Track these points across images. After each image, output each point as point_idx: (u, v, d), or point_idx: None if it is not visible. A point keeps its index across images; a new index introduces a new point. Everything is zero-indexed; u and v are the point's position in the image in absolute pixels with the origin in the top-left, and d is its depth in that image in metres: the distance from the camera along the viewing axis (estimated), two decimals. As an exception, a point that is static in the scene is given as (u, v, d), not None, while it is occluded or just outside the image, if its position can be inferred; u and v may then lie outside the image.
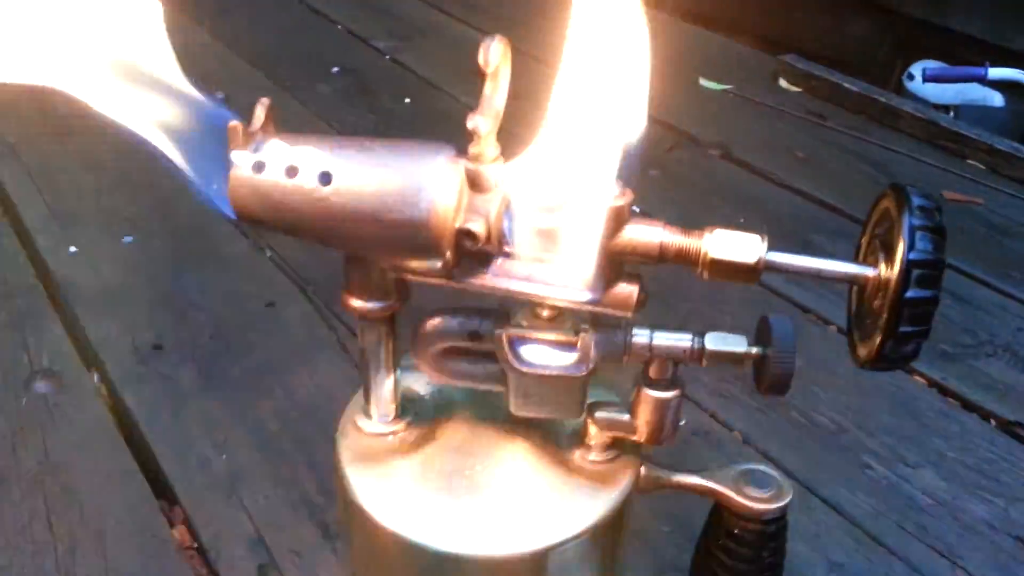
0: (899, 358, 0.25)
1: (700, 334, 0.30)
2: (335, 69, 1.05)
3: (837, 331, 0.68)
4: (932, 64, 1.79)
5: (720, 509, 0.33)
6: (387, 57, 1.10)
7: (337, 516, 0.46)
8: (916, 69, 1.76)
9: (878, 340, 0.25)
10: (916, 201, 0.24)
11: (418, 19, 1.22)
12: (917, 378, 0.64)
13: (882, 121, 1.02)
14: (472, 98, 0.25)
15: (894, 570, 0.49)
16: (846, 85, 1.06)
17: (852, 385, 0.63)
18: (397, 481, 0.31)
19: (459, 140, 0.27)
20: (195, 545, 0.48)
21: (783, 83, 1.12)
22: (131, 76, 0.27)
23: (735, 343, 0.30)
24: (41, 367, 0.58)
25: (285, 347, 0.61)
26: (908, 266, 0.24)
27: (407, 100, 0.99)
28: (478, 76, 0.25)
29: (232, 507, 0.49)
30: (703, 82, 1.12)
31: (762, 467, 0.33)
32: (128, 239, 0.71)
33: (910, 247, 0.24)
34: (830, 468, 0.56)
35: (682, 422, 0.32)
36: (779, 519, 0.33)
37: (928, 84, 1.72)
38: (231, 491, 0.50)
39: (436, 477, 0.31)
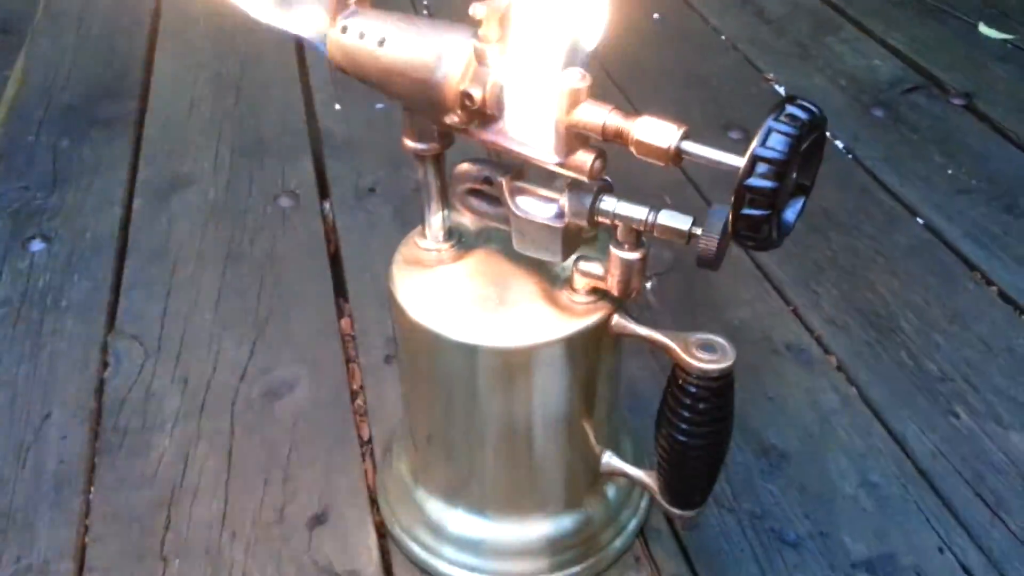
0: (753, 240, 0.31)
1: (656, 209, 0.37)
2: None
3: (998, 293, 0.66)
4: None
5: (674, 367, 0.40)
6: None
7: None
8: None
9: (731, 221, 0.30)
10: (788, 108, 0.29)
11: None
12: (1060, 352, 0.61)
13: None
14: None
15: (926, 501, 0.51)
16: None
17: (980, 343, 0.62)
18: (430, 284, 0.42)
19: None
20: (351, 333, 0.63)
21: (1080, 38, 1.01)
22: None
23: (680, 221, 0.36)
24: (288, 188, 0.77)
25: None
26: (753, 158, 0.29)
27: None
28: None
29: (383, 313, 0.63)
30: (983, 28, 1.04)
31: (715, 337, 0.39)
32: (380, 106, 0.88)
33: (761, 143, 0.29)
34: (914, 408, 0.57)
35: (648, 283, 0.39)
36: (719, 379, 0.39)
37: None
38: (385, 303, 0.65)
39: (459, 287, 0.42)
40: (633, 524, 0.49)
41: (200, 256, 0.69)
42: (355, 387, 0.59)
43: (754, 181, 0.29)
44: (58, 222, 0.73)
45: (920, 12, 1.08)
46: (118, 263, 0.69)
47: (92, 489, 0.52)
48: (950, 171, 0.80)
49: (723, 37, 1.03)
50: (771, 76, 0.95)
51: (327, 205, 0.76)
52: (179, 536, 0.49)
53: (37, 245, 0.70)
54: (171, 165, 0.80)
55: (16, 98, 0.90)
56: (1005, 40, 1.02)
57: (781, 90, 0.93)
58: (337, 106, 0.88)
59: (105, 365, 0.60)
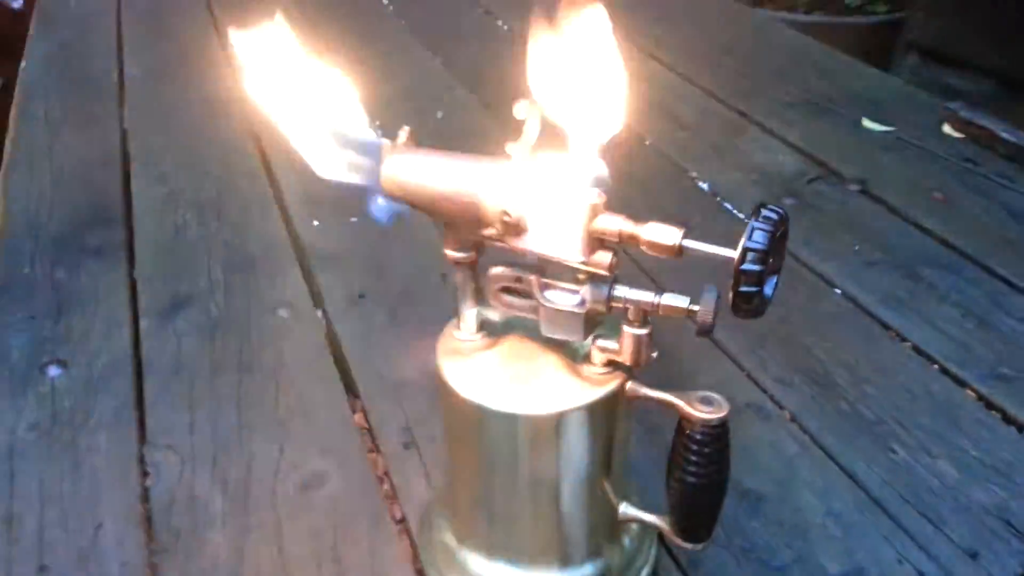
0: (746, 309, 0.40)
1: (660, 292, 0.46)
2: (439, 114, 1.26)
3: (912, 348, 0.79)
4: None
5: (680, 420, 0.49)
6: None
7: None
8: None
9: (731, 297, 0.40)
10: (763, 212, 0.40)
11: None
12: (969, 392, 0.73)
13: (1034, 169, 1.07)
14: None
15: (881, 523, 0.61)
16: (1003, 135, 1.11)
17: (904, 391, 0.73)
18: (472, 369, 0.50)
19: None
20: (367, 426, 0.70)
21: (947, 129, 1.19)
22: (340, 141, 0.48)
23: (680, 301, 0.46)
24: (284, 300, 0.84)
25: (448, 307, 0.82)
26: (744, 250, 0.39)
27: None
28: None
29: (394, 405, 0.71)
30: (867, 123, 1.21)
31: (712, 393, 0.49)
32: (353, 219, 0.96)
33: (747, 238, 0.39)
34: (858, 448, 0.68)
35: (655, 354, 0.48)
36: (718, 427, 0.48)
37: None
38: (395, 395, 0.72)
39: (496, 368, 0.50)
40: (647, 569, 0.57)
41: (215, 368, 0.75)
42: (380, 474, 0.65)
43: (746, 266, 0.39)
44: (71, 347, 0.78)
45: (811, 111, 1.25)
46: (137, 380, 0.74)
47: (155, 586, 0.57)
48: (857, 247, 0.93)
49: (647, 142, 1.17)
50: (694, 174, 1.09)
51: (321, 313, 0.83)
52: (246, 619, 0.54)
53: (55, 371, 0.75)
54: (169, 286, 0.86)
55: (4, 233, 0.95)
56: (886, 131, 1.19)
57: (705, 186, 1.06)
58: (315, 222, 0.97)
59: (146, 474, 0.65)
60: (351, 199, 1.00)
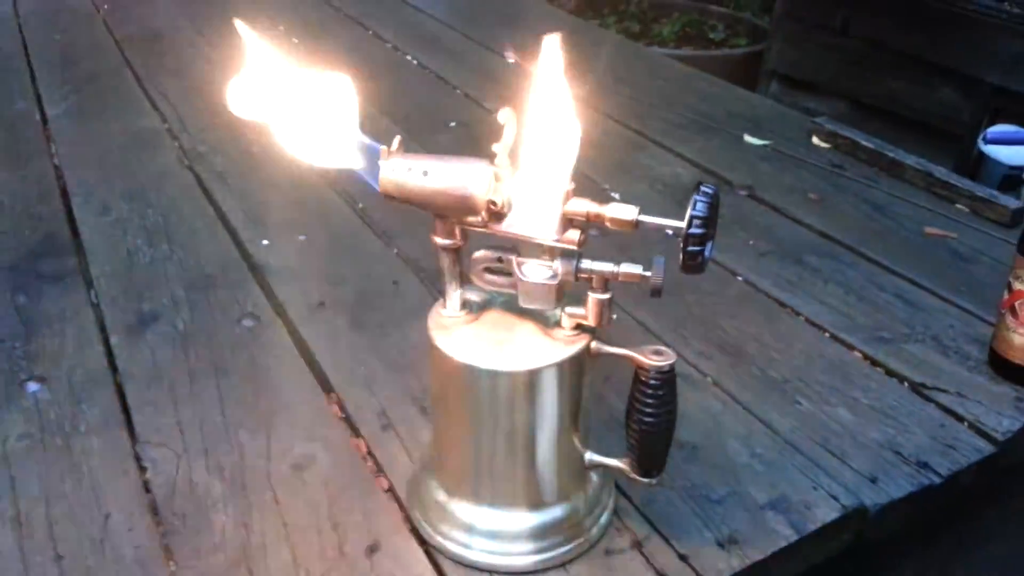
0: (692, 265, 0.51)
1: (618, 263, 0.57)
2: (452, 123, 1.37)
3: (805, 321, 0.92)
4: (1000, 128, 1.98)
5: (637, 370, 0.59)
6: (492, 115, 1.41)
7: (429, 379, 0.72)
8: (991, 133, 1.95)
9: (680, 257, 0.51)
10: (702, 188, 0.51)
11: (519, 87, 1.52)
12: (856, 353, 0.87)
13: (890, 172, 1.24)
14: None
15: (796, 460, 0.73)
16: (863, 142, 1.29)
17: (803, 356, 0.86)
18: (458, 337, 0.59)
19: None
20: (344, 415, 0.77)
21: (815, 140, 1.36)
22: (343, 138, 0.56)
23: (634, 268, 0.56)
24: (246, 311, 0.90)
25: (404, 309, 0.91)
26: (690, 218, 0.50)
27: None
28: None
29: (367, 395, 0.78)
30: (747, 138, 1.37)
31: (661, 346, 0.59)
32: (302, 237, 1.03)
33: (692, 208, 0.50)
34: (770, 402, 0.79)
35: (614, 316, 0.59)
36: (668, 372, 0.58)
37: (1003, 147, 1.91)
38: (367, 386, 0.80)
39: (480, 335, 0.59)
40: (608, 511, 0.67)
41: (192, 374, 0.81)
42: (363, 454, 0.73)
43: (693, 230, 0.50)
44: (45, 365, 0.82)
45: (699, 129, 1.40)
46: (118, 390, 0.79)
47: (172, 562, 0.62)
48: (751, 242, 1.07)
49: (559, 161, 1.28)
50: (606, 186, 1.21)
51: (285, 321, 0.90)
52: (263, 580, 0.61)
53: (34, 386, 0.79)
54: (132, 306, 0.90)
55: (-49, 267, 0.97)
56: (764, 145, 1.35)
57: (616, 196, 1.18)
58: (264, 242, 1.03)
59: (143, 469, 0.70)
60: (295, 219, 1.08)
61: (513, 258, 0.57)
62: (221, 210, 1.10)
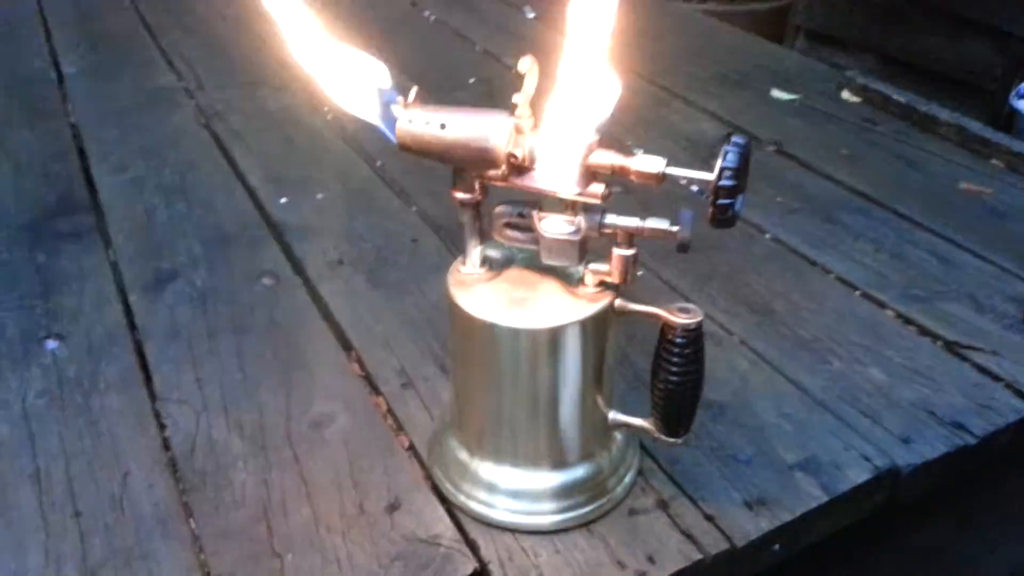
0: (723, 219, 0.49)
1: (644, 217, 0.55)
2: (471, 79, 1.34)
3: (835, 278, 0.89)
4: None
5: (663, 327, 0.57)
6: (512, 71, 1.38)
7: (447, 338, 0.71)
8: (1024, 89, 1.89)
9: (709, 211, 0.49)
10: (733, 138, 0.49)
11: (540, 42, 1.49)
12: (888, 311, 0.84)
13: (923, 127, 1.20)
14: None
15: (826, 420, 0.71)
16: (895, 96, 1.25)
17: (834, 314, 0.84)
18: (478, 294, 0.57)
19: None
20: (364, 374, 0.76)
21: (845, 95, 1.32)
22: (366, 88, 0.54)
23: (661, 223, 0.54)
24: (265, 269, 0.89)
25: (423, 266, 0.89)
26: (721, 169, 0.48)
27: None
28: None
29: (387, 353, 0.77)
30: (775, 92, 1.33)
31: (688, 303, 0.57)
32: (320, 195, 1.02)
33: (722, 159, 0.48)
34: (800, 362, 0.77)
35: (640, 272, 0.57)
36: (695, 330, 0.56)
37: (1033, 102, 1.85)
38: (386, 345, 0.78)
39: (501, 292, 0.57)
40: (632, 471, 0.65)
41: (211, 332, 0.80)
42: (383, 412, 0.72)
43: (723, 182, 0.48)
44: (64, 323, 0.81)
45: (726, 85, 1.36)
46: (137, 348, 0.78)
47: (192, 519, 0.62)
48: (779, 199, 1.04)
49: (581, 117, 1.25)
50: (630, 142, 1.18)
51: (304, 279, 0.88)
52: (283, 538, 0.60)
53: (53, 343, 0.78)
54: (151, 264, 0.90)
55: (-29, 226, 0.97)
56: (793, 99, 1.31)
57: (640, 151, 1.15)
58: (282, 200, 1.01)
59: (163, 426, 0.69)
60: (312, 177, 1.06)
61: (534, 213, 0.55)
62: (238, 168, 1.09)
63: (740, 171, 0.49)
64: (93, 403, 0.72)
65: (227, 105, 1.25)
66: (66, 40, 1.48)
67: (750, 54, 1.48)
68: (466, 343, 0.59)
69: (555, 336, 0.56)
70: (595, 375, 0.60)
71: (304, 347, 0.79)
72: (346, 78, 0.54)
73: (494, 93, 1.29)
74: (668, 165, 0.51)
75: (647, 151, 1.14)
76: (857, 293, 0.87)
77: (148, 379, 0.75)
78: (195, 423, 0.70)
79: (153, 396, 0.73)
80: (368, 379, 0.75)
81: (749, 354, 0.79)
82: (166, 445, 0.68)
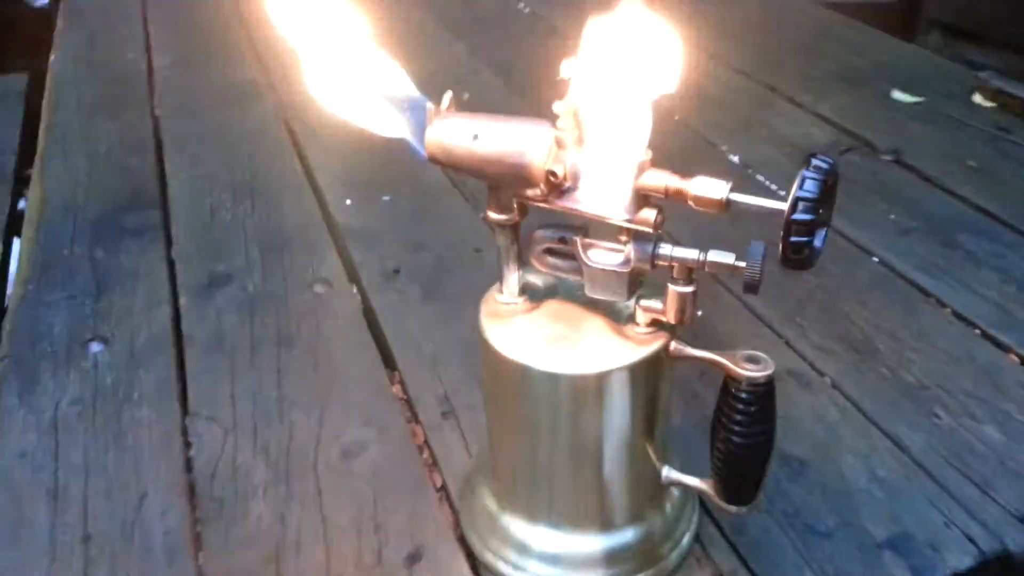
0: (796, 259, 0.40)
1: (705, 250, 0.46)
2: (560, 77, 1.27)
3: (952, 313, 0.78)
4: None
5: (726, 379, 0.49)
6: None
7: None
8: None
9: (780, 248, 0.40)
10: (814, 161, 0.40)
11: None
12: (1012, 356, 0.72)
13: (1070, 137, 1.05)
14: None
15: (927, 488, 0.60)
16: (1038, 100, 1.09)
17: (946, 356, 0.72)
18: (514, 329, 0.50)
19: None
20: (404, 397, 0.70)
21: (977, 98, 1.17)
22: (388, 100, 0.48)
23: (726, 257, 0.46)
24: (319, 276, 0.84)
25: (484, 281, 0.82)
26: (796, 198, 0.39)
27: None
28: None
29: (431, 376, 0.71)
30: (896, 94, 1.20)
31: (757, 352, 0.48)
32: (386, 198, 0.97)
33: (799, 187, 0.39)
34: (901, 413, 0.67)
35: (699, 312, 0.48)
36: (764, 385, 0.48)
37: None
38: (432, 367, 0.72)
39: (539, 328, 0.50)
40: (689, 535, 0.57)
41: (254, 343, 0.76)
42: (419, 443, 0.66)
43: (797, 215, 0.39)
44: (111, 324, 0.79)
45: (840, 84, 1.24)
46: (178, 355, 0.75)
47: (201, 554, 0.57)
48: (892, 216, 0.92)
49: (676, 118, 1.16)
50: (724, 147, 1.08)
51: (357, 289, 0.84)
52: (292, 583, 0.55)
53: (96, 347, 0.76)
54: (206, 266, 0.87)
55: (42, 216, 0.96)
56: (916, 102, 1.17)
57: (735, 159, 1.05)
58: (348, 201, 0.97)
59: (188, 445, 0.66)
60: (383, 178, 1.01)
61: (578, 239, 0.48)
62: (309, 166, 1.05)
63: (820, 201, 0.40)
64: (124, 415, 0.69)
65: (308, 100, 1.21)
66: (162, 31, 1.49)
67: (870, 50, 1.34)
68: (498, 383, 0.52)
69: (600, 383, 0.49)
70: (646, 426, 0.52)
71: (346, 363, 0.73)
72: (366, 90, 0.48)
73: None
74: (734, 190, 0.43)
75: (745, 159, 1.04)
76: (976, 332, 0.75)
77: (183, 391, 0.71)
78: (221, 443, 0.65)
79: (185, 410, 0.69)
80: (408, 403, 0.69)
81: (841, 400, 0.68)
82: (188, 466, 0.64)
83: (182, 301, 0.82)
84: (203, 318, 0.79)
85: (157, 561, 0.57)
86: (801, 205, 0.39)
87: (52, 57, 1.38)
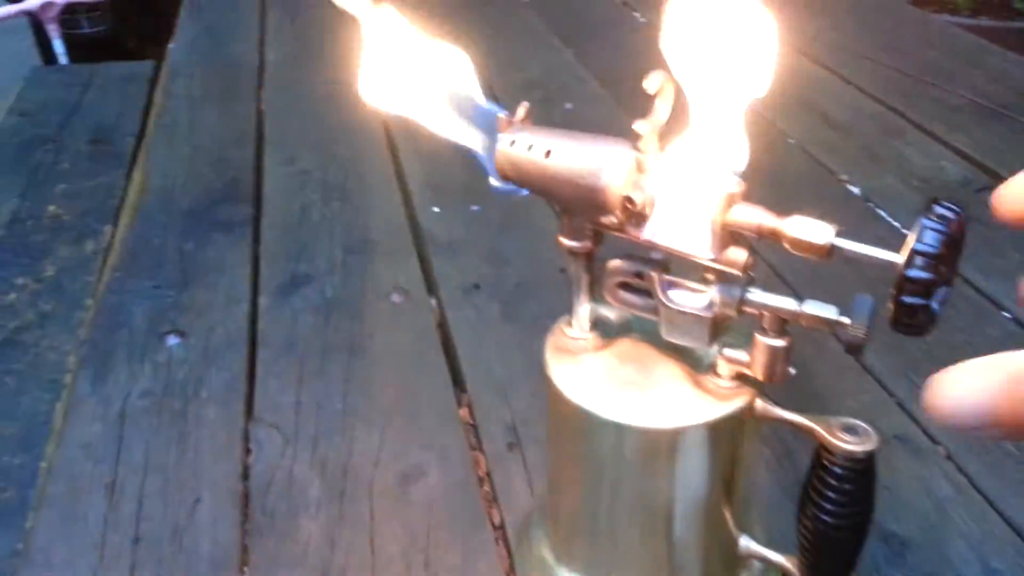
0: (908, 325, 0.34)
1: (801, 299, 0.40)
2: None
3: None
4: None
5: (819, 449, 0.43)
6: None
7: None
8: None
9: (891, 310, 0.34)
10: (937, 209, 0.33)
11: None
12: None
13: None
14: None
15: (1050, 588, 0.52)
16: None
17: (1085, 431, 0.63)
18: (581, 369, 0.46)
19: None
20: (471, 422, 0.67)
21: None
22: (455, 105, 0.45)
23: (826, 311, 0.40)
24: (398, 285, 0.82)
25: (566, 303, 0.78)
26: (912, 252, 0.33)
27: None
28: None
29: (501, 402, 0.67)
30: (1047, 128, 1.08)
31: (858, 421, 0.42)
32: (475, 208, 0.94)
33: (918, 239, 0.33)
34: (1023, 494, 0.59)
35: (792, 371, 0.42)
36: (863, 461, 0.41)
37: None
38: (503, 391, 0.68)
39: (609, 371, 0.45)
40: (765, 609, 0.51)
41: (325, 349, 0.74)
42: (481, 474, 0.62)
43: (913, 272, 0.33)
44: (190, 318, 0.78)
45: (980, 115, 1.13)
46: (251, 355, 0.74)
47: (246, 570, 0.55)
48: (1030, 266, 0.83)
49: (791, 140, 1.08)
50: (844, 177, 1.00)
51: (435, 301, 0.81)
52: (331, 613, 0.52)
53: (173, 340, 0.76)
54: (289, 265, 0.86)
55: (139, 204, 0.98)
56: (1072, 140, 1.06)
57: (856, 190, 0.97)
58: (435, 208, 0.94)
59: (248, 451, 0.64)
60: (473, 186, 0.98)
61: (656, 275, 0.43)
62: (401, 169, 1.03)
63: (942, 258, 0.34)
64: (190, 412, 0.68)
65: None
66: (277, 26, 1.51)
67: (1014, 79, 1.23)
68: (560, 426, 0.48)
69: (671, 440, 0.44)
70: (723, 490, 0.46)
71: (415, 380, 0.70)
72: (435, 91, 0.44)
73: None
74: (838, 236, 0.37)
75: (867, 190, 0.95)
76: (1124, 408, 0.65)
77: (251, 393, 0.70)
78: (280, 453, 0.63)
79: (249, 413, 0.68)
80: (475, 430, 0.66)
81: (955, 475, 0.60)
82: (245, 474, 0.62)
83: (261, 300, 0.81)
84: (279, 319, 0.78)
85: (202, 572, 0.55)
86: (918, 260, 0.33)
87: (170, 46, 1.42)
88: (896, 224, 0.90)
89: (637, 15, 1.50)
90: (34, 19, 2.07)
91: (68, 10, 2.06)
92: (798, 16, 1.42)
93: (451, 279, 0.83)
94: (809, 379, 0.67)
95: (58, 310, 0.83)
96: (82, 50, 2.04)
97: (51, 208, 1.01)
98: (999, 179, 0.93)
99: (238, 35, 1.47)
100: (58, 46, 2.07)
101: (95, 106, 1.26)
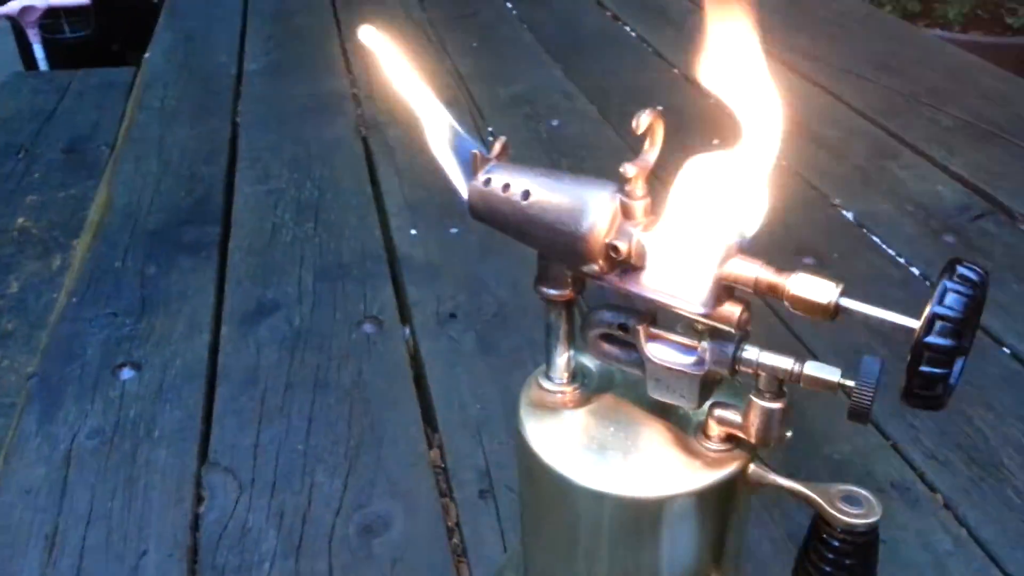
0: (924, 398, 0.30)
1: (801, 360, 0.37)
2: (659, 107, 1.17)
3: (1100, 427, 0.65)
4: None
5: (816, 519, 0.39)
6: (711, 100, 1.19)
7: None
8: None
9: (905, 379, 0.30)
10: (959, 269, 0.30)
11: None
12: None
13: None
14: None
15: (1061, 659, 0.49)
16: None
17: (1093, 482, 0.60)
18: (557, 425, 0.42)
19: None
20: (441, 465, 0.62)
21: None
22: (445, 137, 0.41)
23: (828, 372, 0.36)
24: (370, 313, 0.77)
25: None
26: (931, 316, 0.29)
27: (715, 141, 1.07)
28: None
29: (474, 443, 0.63)
30: (1045, 153, 1.05)
31: (860, 490, 0.38)
32: (454, 230, 0.89)
33: (937, 301, 0.29)
34: (1030, 551, 0.55)
35: (789, 433, 0.38)
36: (866, 534, 0.38)
37: None
38: (476, 431, 0.64)
39: (588, 431, 0.41)
40: None
41: (289, 385, 0.69)
42: (451, 524, 0.58)
43: (933, 339, 0.29)
44: (147, 349, 0.74)
45: (977, 137, 1.10)
46: (208, 391, 0.69)
47: (190, 632, 0.51)
48: (1031, 298, 0.79)
49: (783, 163, 1.05)
50: (837, 201, 0.97)
51: (408, 330, 0.76)
52: None
53: (127, 373, 0.71)
54: (256, 291, 0.81)
55: (102, 224, 0.93)
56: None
57: (849, 215, 0.94)
58: (413, 231, 0.90)
59: (200, 499, 0.59)
60: (453, 207, 0.94)
61: (641, 328, 0.39)
62: (380, 189, 0.99)
63: (965, 322, 0.30)
64: (140, 454, 0.63)
65: (389, 117, 1.16)
66: (259, 35, 1.47)
67: (1015, 100, 1.20)
68: (533, 487, 0.44)
69: (655, 509, 0.39)
70: (711, 561, 0.42)
71: (384, 418, 0.66)
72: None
73: (683, 126, 1.12)
74: (842, 295, 0.33)
75: (860, 216, 0.91)
76: None
77: (207, 432, 0.65)
78: (234, 501, 0.59)
79: (204, 456, 0.63)
80: (445, 475, 0.61)
81: (955, 527, 0.57)
82: (196, 524, 0.58)
83: (224, 330, 0.76)
84: (241, 350, 0.74)
85: (141, 636, 0.51)
86: (939, 326, 0.29)
87: (146, 55, 1.38)
88: (891, 252, 0.87)
89: (628, 29, 1.47)
90: (15, 24, 2.02)
91: (49, 15, 2.00)
92: (781, 30, 1.39)
93: (426, 306, 0.78)
94: (802, 421, 0.63)
95: (20, 329, 0.79)
96: (64, 55, 1.99)
97: (20, 220, 0.96)
98: (998, 205, 0.90)
99: (218, 44, 1.43)
100: (38, 51, 2.01)
101: (71, 114, 1.22)
